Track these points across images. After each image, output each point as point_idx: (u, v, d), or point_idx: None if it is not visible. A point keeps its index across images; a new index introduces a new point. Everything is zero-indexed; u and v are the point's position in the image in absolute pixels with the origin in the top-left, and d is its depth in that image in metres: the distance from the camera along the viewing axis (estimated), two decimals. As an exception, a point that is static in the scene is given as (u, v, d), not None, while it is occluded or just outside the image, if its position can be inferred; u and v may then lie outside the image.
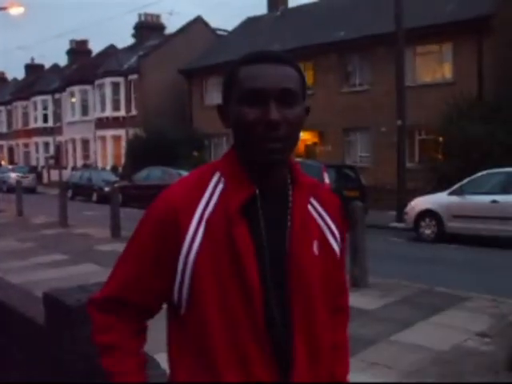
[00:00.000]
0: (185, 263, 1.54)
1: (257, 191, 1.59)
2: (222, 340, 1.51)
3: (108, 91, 46.57)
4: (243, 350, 1.51)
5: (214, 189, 1.59)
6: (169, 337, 1.67)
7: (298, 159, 23.80)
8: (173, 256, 1.55)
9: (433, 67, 27.55)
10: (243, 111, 1.55)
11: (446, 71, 26.95)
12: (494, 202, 14.82)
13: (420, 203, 16.91)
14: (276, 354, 1.52)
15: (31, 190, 39.32)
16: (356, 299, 8.95)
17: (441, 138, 23.78)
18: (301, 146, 32.60)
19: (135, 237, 1.66)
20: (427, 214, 16.39)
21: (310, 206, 1.68)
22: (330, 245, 1.69)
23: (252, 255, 1.52)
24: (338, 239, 1.73)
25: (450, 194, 16.06)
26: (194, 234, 1.54)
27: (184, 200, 1.57)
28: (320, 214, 1.70)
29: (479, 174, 15.84)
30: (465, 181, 15.99)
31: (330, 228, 1.70)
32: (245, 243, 1.52)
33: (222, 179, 1.61)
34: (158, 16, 52.38)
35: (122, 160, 42.55)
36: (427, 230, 16.38)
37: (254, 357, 1.51)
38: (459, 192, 15.79)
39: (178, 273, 1.55)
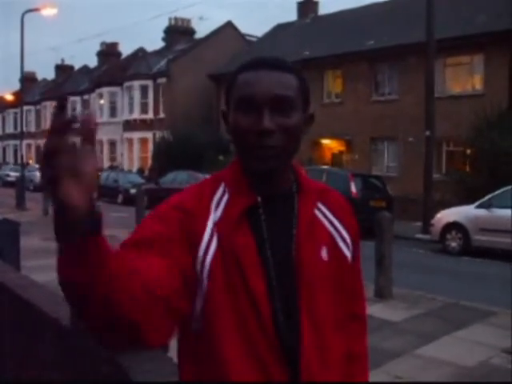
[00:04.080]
0: (201, 267, 1.46)
1: (259, 199, 1.55)
2: (236, 351, 1.45)
3: (136, 94, 46.85)
4: (257, 358, 1.46)
5: (219, 200, 1.55)
6: (179, 348, 1.60)
7: (325, 167, 23.77)
8: (192, 253, 1.46)
9: (463, 78, 27.34)
10: (237, 119, 1.53)
11: (477, 83, 26.72)
12: (522, 216, 14.63)
13: (446, 215, 16.75)
14: (289, 361, 1.47)
15: (57, 190, 39.61)
16: (380, 310, 8.88)
17: (469, 150, 23.57)
18: (328, 154, 32.53)
19: (158, 215, 1.52)
20: (453, 226, 16.22)
21: (317, 212, 1.63)
22: (340, 250, 1.63)
23: (256, 265, 1.48)
24: (350, 245, 1.66)
25: (478, 206, 15.88)
26: (210, 239, 1.48)
27: (196, 205, 1.52)
28: (329, 220, 1.64)
29: (507, 187, 15.64)
30: (492, 194, 15.80)
31: (340, 234, 1.64)
32: (248, 253, 1.48)
33: (227, 189, 1.57)
34: (188, 20, 52.61)
35: (149, 162, 42.78)
36: (453, 243, 16.21)
37: (269, 364, 1.46)
38: (487, 205, 15.60)
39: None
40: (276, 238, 1.54)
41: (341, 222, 1.66)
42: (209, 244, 1.47)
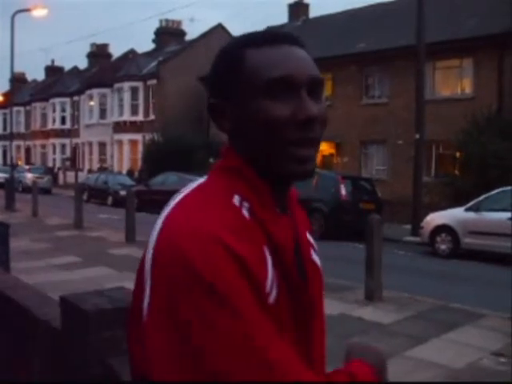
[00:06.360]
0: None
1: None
2: None
3: (127, 95, 46.76)
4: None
5: (243, 221, 1.18)
6: None
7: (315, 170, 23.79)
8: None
9: (453, 82, 27.44)
10: (267, 107, 1.15)
11: (466, 86, 26.82)
12: (511, 219, 14.69)
13: (436, 218, 16.80)
14: None
15: (47, 191, 39.48)
16: (370, 313, 8.90)
17: (458, 154, 23.64)
18: (318, 157, 32.52)
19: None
20: (443, 229, 16.28)
21: None
22: (315, 263, 1.35)
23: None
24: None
25: (467, 209, 15.94)
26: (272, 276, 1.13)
27: (249, 246, 1.11)
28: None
29: (496, 190, 15.72)
30: (482, 197, 15.87)
31: (311, 243, 1.38)
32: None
33: (245, 205, 1.17)
34: (178, 22, 52.65)
35: (139, 164, 42.73)
36: (442, 245, 16.27)
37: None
38: (476, 208, 15.67)
39: None
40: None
41: (307, 227, 1.41)
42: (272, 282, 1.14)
